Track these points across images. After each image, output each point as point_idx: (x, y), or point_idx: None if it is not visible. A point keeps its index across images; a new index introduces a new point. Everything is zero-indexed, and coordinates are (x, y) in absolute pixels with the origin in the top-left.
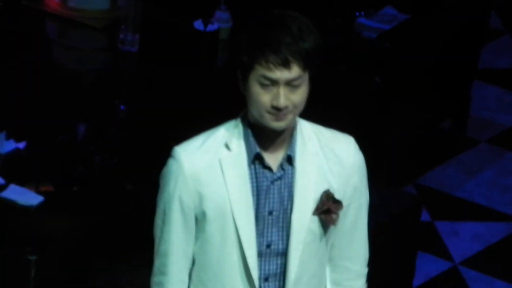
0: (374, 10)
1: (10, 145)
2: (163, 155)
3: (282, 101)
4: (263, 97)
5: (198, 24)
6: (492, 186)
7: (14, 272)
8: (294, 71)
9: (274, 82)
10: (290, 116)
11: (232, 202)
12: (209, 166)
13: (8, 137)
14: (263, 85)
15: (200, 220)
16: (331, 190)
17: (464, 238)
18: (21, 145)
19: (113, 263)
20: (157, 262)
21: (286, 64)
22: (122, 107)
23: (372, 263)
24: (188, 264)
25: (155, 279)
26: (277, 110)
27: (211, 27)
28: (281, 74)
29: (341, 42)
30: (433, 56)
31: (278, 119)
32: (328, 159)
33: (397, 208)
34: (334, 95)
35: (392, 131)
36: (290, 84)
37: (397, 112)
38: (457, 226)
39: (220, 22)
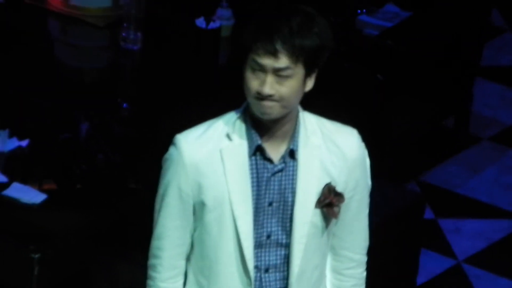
0: (376, 8)
1: (12, 143)
2: (165, 152)
3: (266, 88)
4: (251, 82)
5: (200, 22)
6: (495, 183)
7: (17, 270)
8: (282, 61)
9: (262, 69)
10: (276, 107)
11: (231, 193)
12: (210, 156)
13: (10, 135)
14: (253, 70)
15: (198, 209)
16: (333, 183)
17: (467, 236)
18: (24, 143)
19: (116, 260)
20: (152, 244)
21: (274, 53)
22: (124, 105)
23: (376, 261)
24: (183, 250)
25: (149, 261)
26: (261, 97)
27: (213, 25)
28: (268, 60)
29: (343, 39)
30: (435, 53)
31: (263, 107)
32: (330, 152)
33: (401, 205)
34: (336, 92)
35: (395, 129)
36: (278, 73)
37: (400, 110)
38: (460, 223)
39: (222, 19)
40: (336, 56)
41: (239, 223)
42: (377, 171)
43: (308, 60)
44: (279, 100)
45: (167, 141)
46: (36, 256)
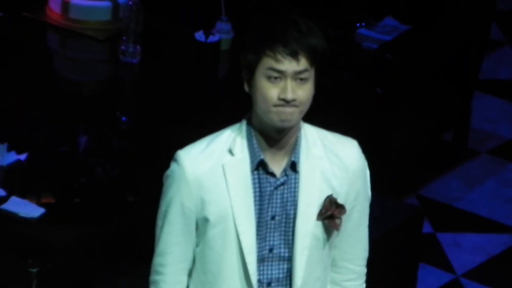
0: (374, 21)
1: (11, 157)
2: (165, 166)
3: (290, 93)
4: (270, 91)
5: (199, 35)
6: (494, 197)
7: (15, 284)
8: (302, 63)
9: (282, 75)
10: (295, 113)
11: (234, 208)
12: (212, 171)
13: (9, 149)
14: (270, 79)
15: (201, 224)
16: (335, 195)
17: (466, 250)
18: (22, 156)
19: (114, 274)
20: (155, 261)
21: (294, 55)
22: (123, 118)
23: (374, 274)
24: (186, 266)
25: (152, 277)
26: (284, 103)
27: (212, 38)
28: (289, 65)
29: (342, 51)
30: (434, 66)
31: (284, 115)
32: (332, 164)
33: (399, 219)
34: (335, 105)
35: (394, 143)
36: (297, 77)
37: (399, 123)
38: (459, 237)
39: (221, 33)
40: (336, 69)
41: (242, 238)
42: (377, 184)
43: (319, 61)
44: (299, 105)
45: (166, 154)
46: (34, 270)
